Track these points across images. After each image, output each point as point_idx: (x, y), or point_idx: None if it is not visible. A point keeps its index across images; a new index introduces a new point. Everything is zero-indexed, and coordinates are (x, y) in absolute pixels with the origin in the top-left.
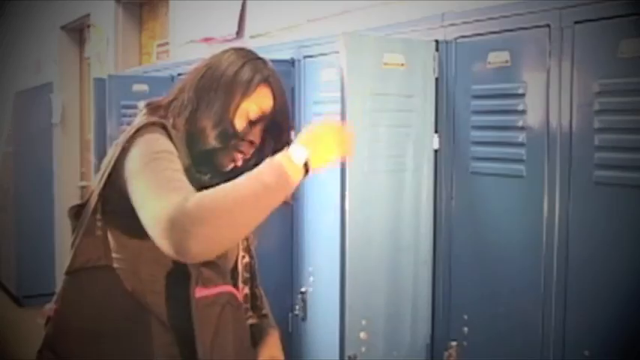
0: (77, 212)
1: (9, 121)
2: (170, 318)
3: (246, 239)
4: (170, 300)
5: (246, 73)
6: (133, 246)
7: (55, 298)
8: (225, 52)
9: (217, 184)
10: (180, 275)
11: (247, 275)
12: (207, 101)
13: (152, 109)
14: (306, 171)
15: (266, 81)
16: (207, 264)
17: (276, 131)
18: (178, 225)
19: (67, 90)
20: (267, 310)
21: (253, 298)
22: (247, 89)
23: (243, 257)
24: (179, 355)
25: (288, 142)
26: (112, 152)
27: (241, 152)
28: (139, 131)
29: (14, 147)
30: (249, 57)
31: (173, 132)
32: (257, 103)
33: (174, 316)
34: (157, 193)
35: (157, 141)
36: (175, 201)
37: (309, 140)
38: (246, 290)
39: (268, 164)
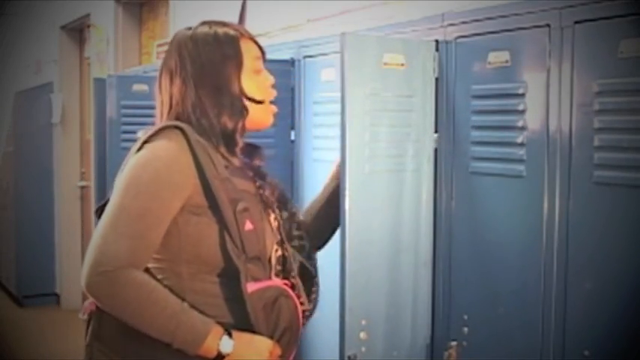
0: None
1: (9, 121)
2: (218, 317)
3: (280, 233)
4: (216, 299)
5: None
6: (172, 244)
7: None
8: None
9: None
10: (226, 274)
11: (280, 267)
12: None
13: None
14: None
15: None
16: (252, 259)
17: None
18: (97, 281)
19: (67, 90)
20: (304, 299)
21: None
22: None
23: (277, 250)
24: None
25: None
26: (132, 149)
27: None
28: (155, 134)
29: (14, 147)
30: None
31: (194, 137)
32: (251, 55)
33: (227, 314)
34: (114, 229)
35: (159, 159)
36: (115, 256)
37: (248, 348)
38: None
39: (201, 323)
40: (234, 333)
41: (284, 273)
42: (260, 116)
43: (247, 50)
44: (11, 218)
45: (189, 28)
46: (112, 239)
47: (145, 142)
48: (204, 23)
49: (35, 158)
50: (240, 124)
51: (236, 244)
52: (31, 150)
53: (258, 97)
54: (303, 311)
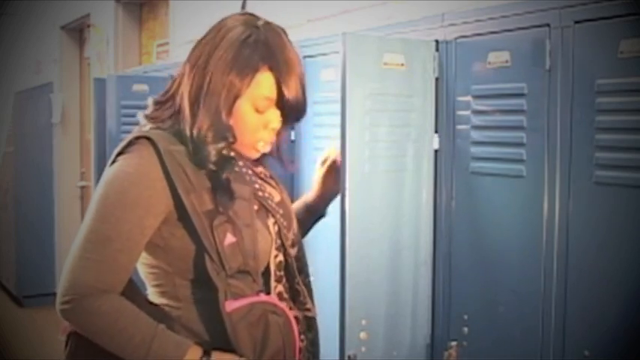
0: None
1: (9, 121)
2: (201, 325)
3: (280, 238)
4: (197, 307)
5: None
6: (160, 257)
7: None
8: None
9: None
10: (204, 284)
11: (280, 273)
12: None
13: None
14: None
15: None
16: (238, 274)
17: (293, 114)
18: (65, 309)
19: (67, 90)
20: (310, 305)
21: (295, 294)
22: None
23: (276, 256)
24: None
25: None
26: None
27: (263, 141)
28: (127, 145)
29: (14, 147)
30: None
31: (166, 147)
32: (260, 93)
33: (206, 325)
34: (81, 254)
35: (127, 176)
36: (81, 284)
37: None
38: (280, 288)
39: (175, 348)
40: (215, 354)
41: (287, 279)
42: (243, 150)
43: (258, 86)
44: (11, 218)
45: (256, 21)
46: (79, 264)
47: (120, 153)
48: (259, 27)
49: (35, 158)
50: (219, 146)
51: (214, 260)
52: (31, 150)
53: (245, 139)
54: (311, 318)
